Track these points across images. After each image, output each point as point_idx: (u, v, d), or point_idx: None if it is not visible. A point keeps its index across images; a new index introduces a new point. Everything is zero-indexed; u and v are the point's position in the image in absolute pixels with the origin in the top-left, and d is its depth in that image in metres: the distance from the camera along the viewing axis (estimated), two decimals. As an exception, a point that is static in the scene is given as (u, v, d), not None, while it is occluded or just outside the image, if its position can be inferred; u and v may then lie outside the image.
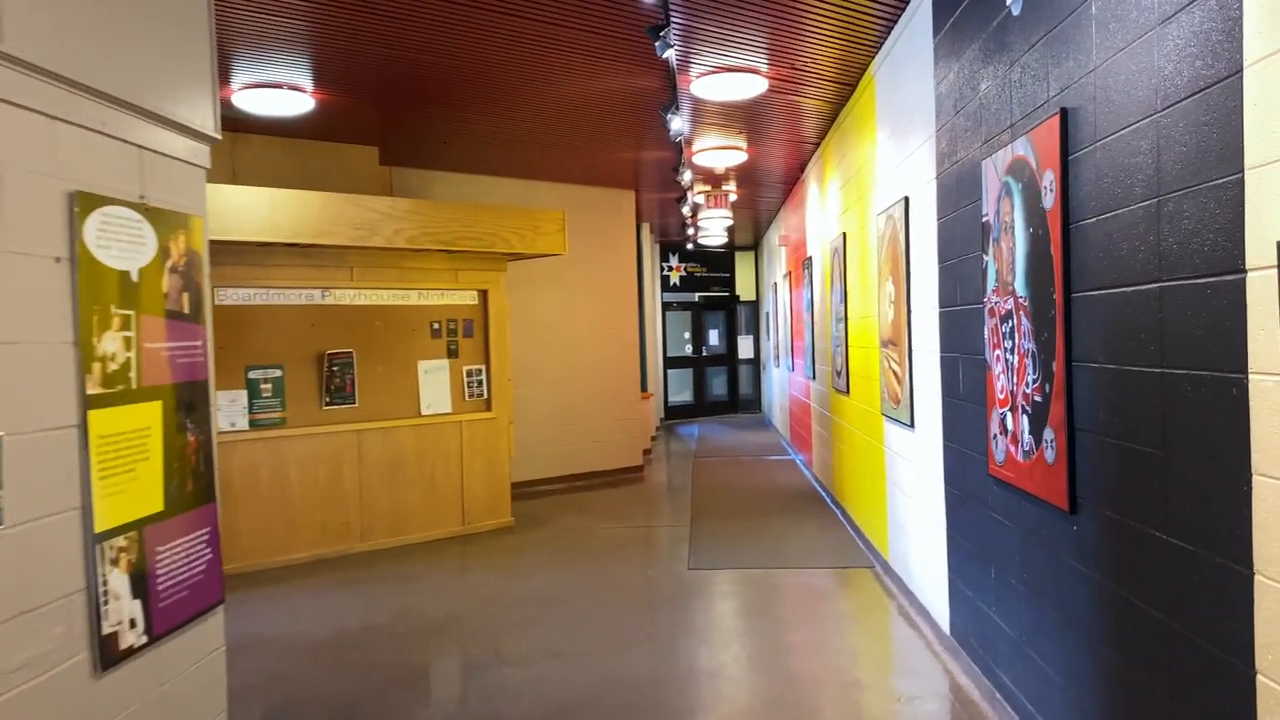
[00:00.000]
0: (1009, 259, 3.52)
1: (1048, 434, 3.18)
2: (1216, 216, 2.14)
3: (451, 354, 7.96)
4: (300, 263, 7.12)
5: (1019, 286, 3.42)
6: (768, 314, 16.25)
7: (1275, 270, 1.91)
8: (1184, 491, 2.32)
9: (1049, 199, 3.11)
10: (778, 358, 14.39)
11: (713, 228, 14.49)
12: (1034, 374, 3.29)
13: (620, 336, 10.92)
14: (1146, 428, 2.50)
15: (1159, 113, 2.39)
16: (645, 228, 14.12)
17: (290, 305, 7.14)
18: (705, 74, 6.17)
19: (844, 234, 7.45)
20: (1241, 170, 2.04)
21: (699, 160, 8.89)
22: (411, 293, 7.74)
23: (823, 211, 8.77)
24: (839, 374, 7.88)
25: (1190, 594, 2.31)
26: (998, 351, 3.69)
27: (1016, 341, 3.46)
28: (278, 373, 7.05)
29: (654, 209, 12.89)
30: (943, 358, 4.58)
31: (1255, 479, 2.02)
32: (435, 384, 7.85)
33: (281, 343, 7.09)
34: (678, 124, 6.75)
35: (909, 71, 5.15)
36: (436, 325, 7.88)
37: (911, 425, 5.26)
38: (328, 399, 7.27)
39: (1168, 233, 2.36)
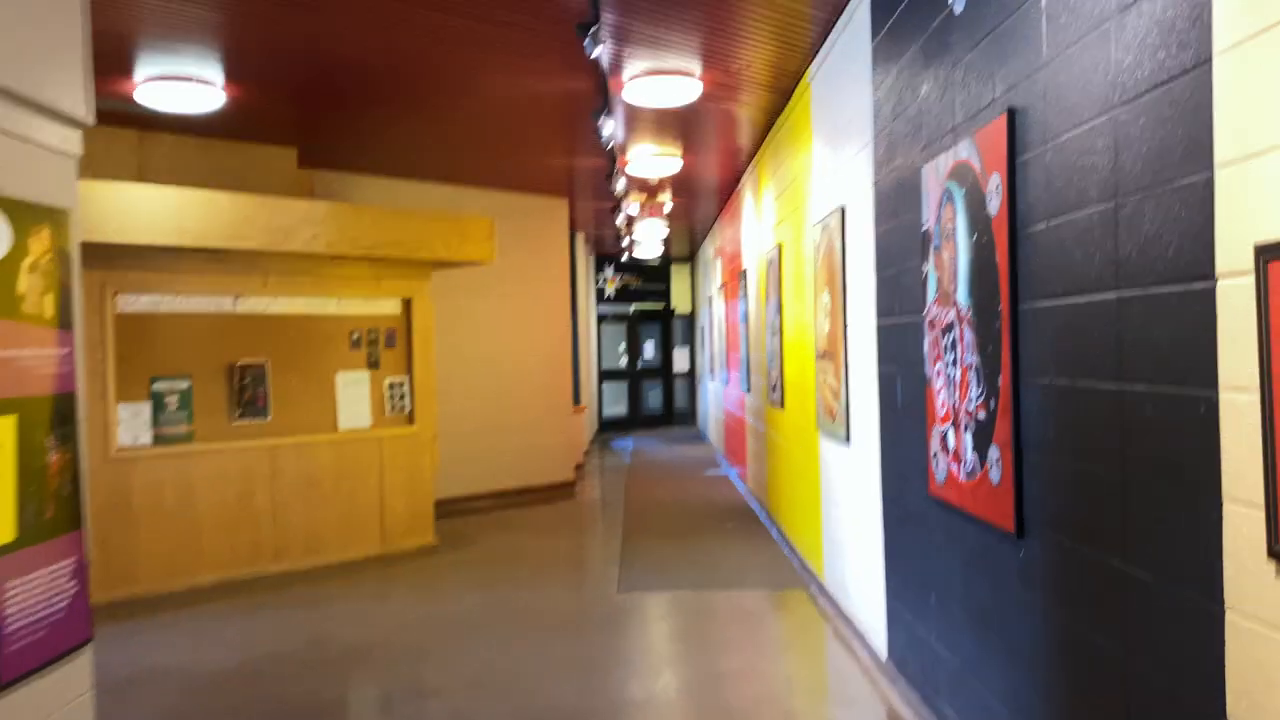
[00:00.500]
0: (951, 268, 3.35)
1: (993, 453, 3.01)
2: (1182, 219, 1.97)
3: (372, 365, 7.62)
4: (210, 268, 6.72)
5: (961, 297, 3.25)
6: (703, 327, 16.11)
7: (1251, 277, 1.74)
8: (1145, 517, 2.14)
9: (994, 204, 2.94)
10: (713, 371, 14.23)
11: (648, 239, 14.30)
12: (978, 389, 3.12)
13: (552, 348, 10.65)
14: (1102, 448, 2.33)
15: (1116, 108, 2.22)
16: (580, 238, 13.88)
17: (199, 313, 6.74)
18: (638, 77, 5.96)
19: (779, 245, 7.30)
20: (1211, 168, 1.87)
21: (633, 169, 8.68)
22: (330, 301, 7.38)
23: (758, 223, 8.62)
24: (774, 388, 7.72)
25: (1153, 629, 2.13)
26: (939, 365, 3.52)
27: (959, 355, 3.29)
28: (185, 384, 6.64)
29: (589, 219, 12.66)
30: (880, 371, 4.41)
31: (1226, 505, 1.85)
32: (354, 397, 7.49)
33: (189, 353, 6.69)
34: (610, 129, 6.53)
35: (846, 77, 5.00)
36: (356, 335, 7.53)
37: (847, 441, 5.09)
38: (239, 412, 6.88)
39: (1126, 238, 2.19)
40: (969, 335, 3.19)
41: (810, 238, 6.01)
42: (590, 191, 10.36)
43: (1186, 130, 1.95)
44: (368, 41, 5.38)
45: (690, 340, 18.45)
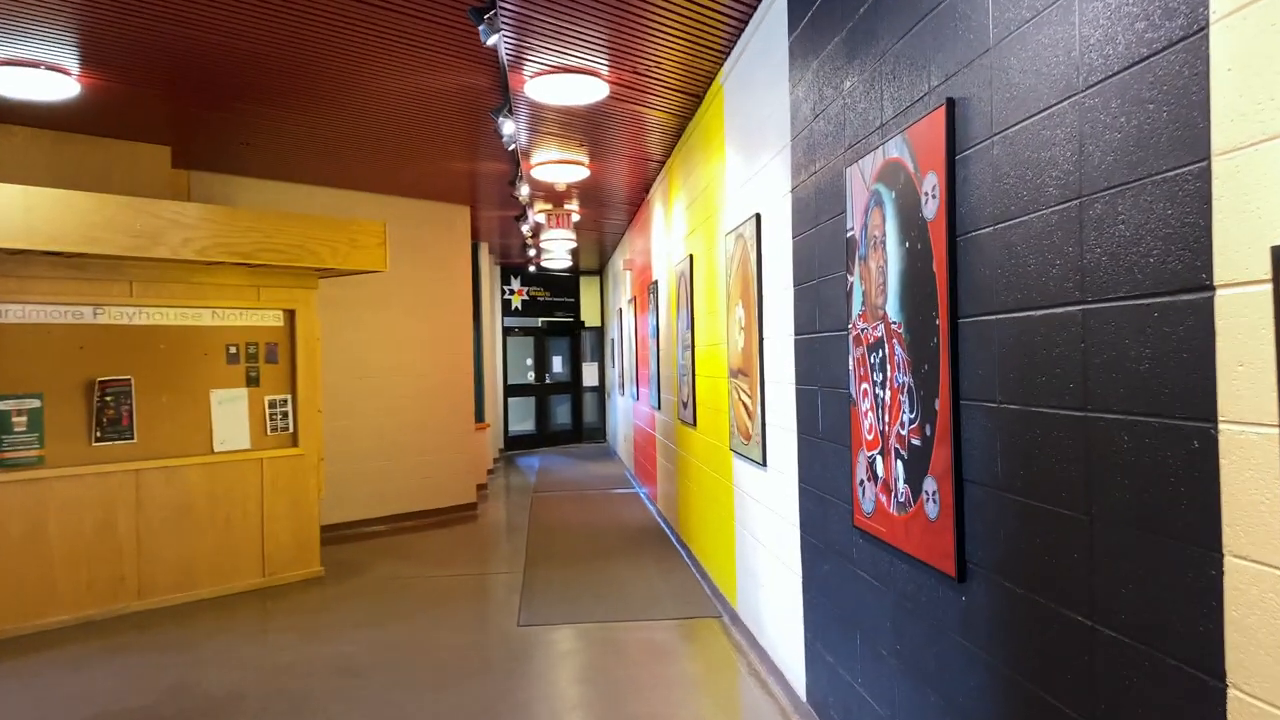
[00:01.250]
0: (879, 279, 3.04)
1: (929, 484, 2.69)
2: (1168, 219, 1.66)
3: (251, 382, 7.02)
4: (66, 274, 6.07)
5: (892, 310, 2.94)
6: (613, 340, 15.74)
7: (1267, 286, 1.43)
8: (1119, 567, 1.83)
9: (931, 207, 2.63)
10: (622, 386, 13.87)
11: (556, 250, 13.87)
12: (911, 413, 2.80)
13: (453, 362, 10.14)
14: (1062, 484, 2.01)
15: (1081, 93, 1.91)
16: (484, 248, 13.39)
17: (53, 324, 6.08)
18: (541, 74, 5.56)
19: (690, 256, 6.97)
20: (1207, 158, 1.56)
21: (538, 174, 8.27)
22: (204, 311, 6.77)
23: (668, 233, 8.29)
24: (685, 405, 7.38)
25: (1128, 700, 1.81)
26: (865, 385, 3.20)
27: (889, 374, 2.97)
28: (35, 403, 5.97)
29: (494, 228, 12.19)
30: (799, 390, 4.08)
31: (1228, 561, 1.54)
32: (231, 416, 6.89)
33: (41, 368, 6.02)
34: (511, 129, 6.11)
35: (760, 77, 4.69)
36: (234, 349, 6.93)
37: (764, 464, 4.76)
38: (99, 434, 6.22)
39: (1094, 242, 1.88)
40: (900, 353, 2.87)
41: (723, 248, 5.68)
42: (494, 199, 9.91)
43: (1173, 113, 1.64)
44: (250, 28, 4.87)
45: (600, 354, 18.06)
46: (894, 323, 2.92)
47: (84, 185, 6.54)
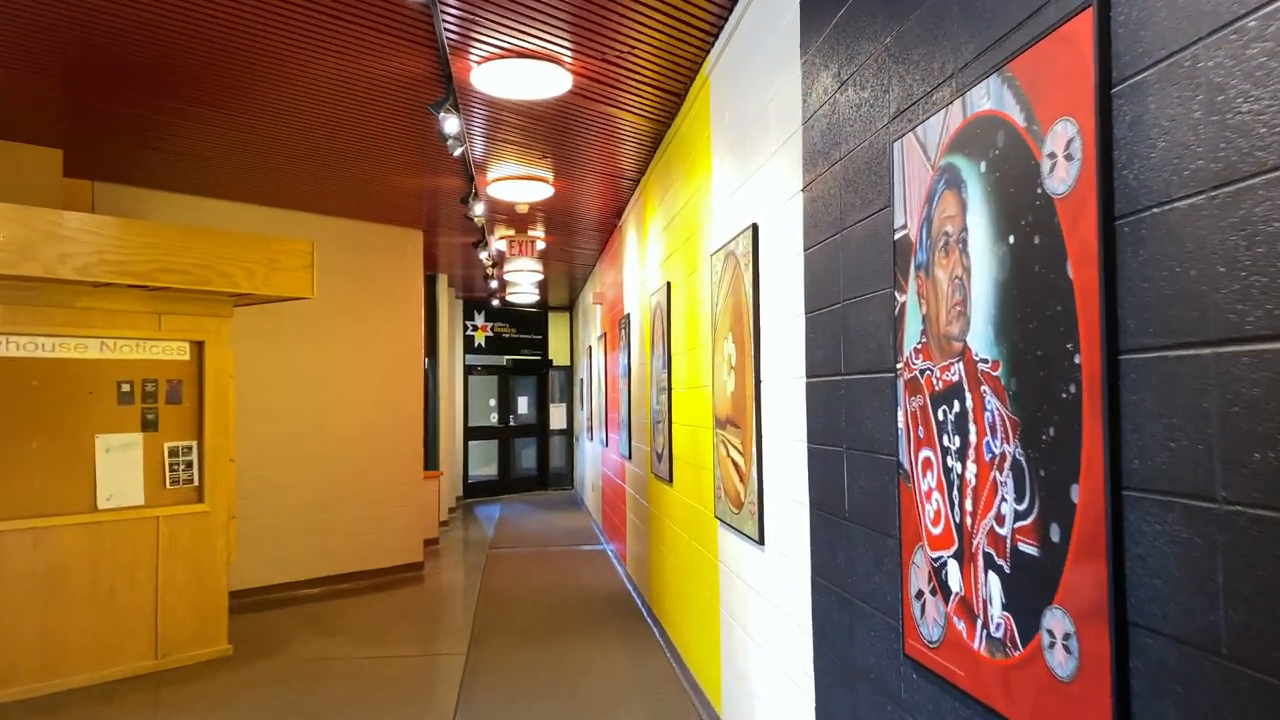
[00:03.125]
0: (954, 295, 2.05)
1: (1056, 621, 1.68)
2: None
3: (148, 426, 5.93)
4: (-92, 294, 5.00)
5: (980, 342, 1.95)
6: (582, 380, 14.72)
7: None
8: None
9: (1062, 176, 1.65)
10: (590, 430, 12.83)
11: (522, 282, 12.88)
12: (1020, 501, 1.80)
13: (400, 404, 9.06)
14: None
15: None
16: (443, 280, 12.38)
17: (-111, 354, 4.99)
18: (491, 58, 4.59)
19: (668, 284, 5.99)
20: None
21: (495, 192, 7.29)
22: (90, 342, 5.69)
23: (643, 261, 7.32)
24: (660, 457, 6.35)
25: None
26: (927, 452, 2.20)
27: (974, 439, 1.98)
28: None
29: (454, 258, 11.18)
30: (814, 451, 3.08)
31: None
32: (122, 466, 5.78)
33: None
34: (455, 127, 5.12)
35: (759, 55, 3.75)
36: (127, 386, 5.84)
37: (760, 542, 3.74)
38: (-54, 488, 5.11)
39: None
40: (997, 407, 1.88)
41: (708, 271, 4.71)
42: (451, 223, 8.91)
43: None
44: (149, 8, 3.87)
45: (569, 396, 17.01)
46: (983, 360, 1.93)
47: (-53, 190, 5.49)
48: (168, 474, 5.99)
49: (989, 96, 1.91)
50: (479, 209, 7.19)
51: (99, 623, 5.60)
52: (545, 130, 5.85)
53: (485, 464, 16.07)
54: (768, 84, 3.65)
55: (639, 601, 7.51)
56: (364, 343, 8.76)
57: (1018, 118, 1.80)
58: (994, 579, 1.91)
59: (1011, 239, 1.82)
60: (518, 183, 7.08)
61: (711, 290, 4.57)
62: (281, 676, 5.72)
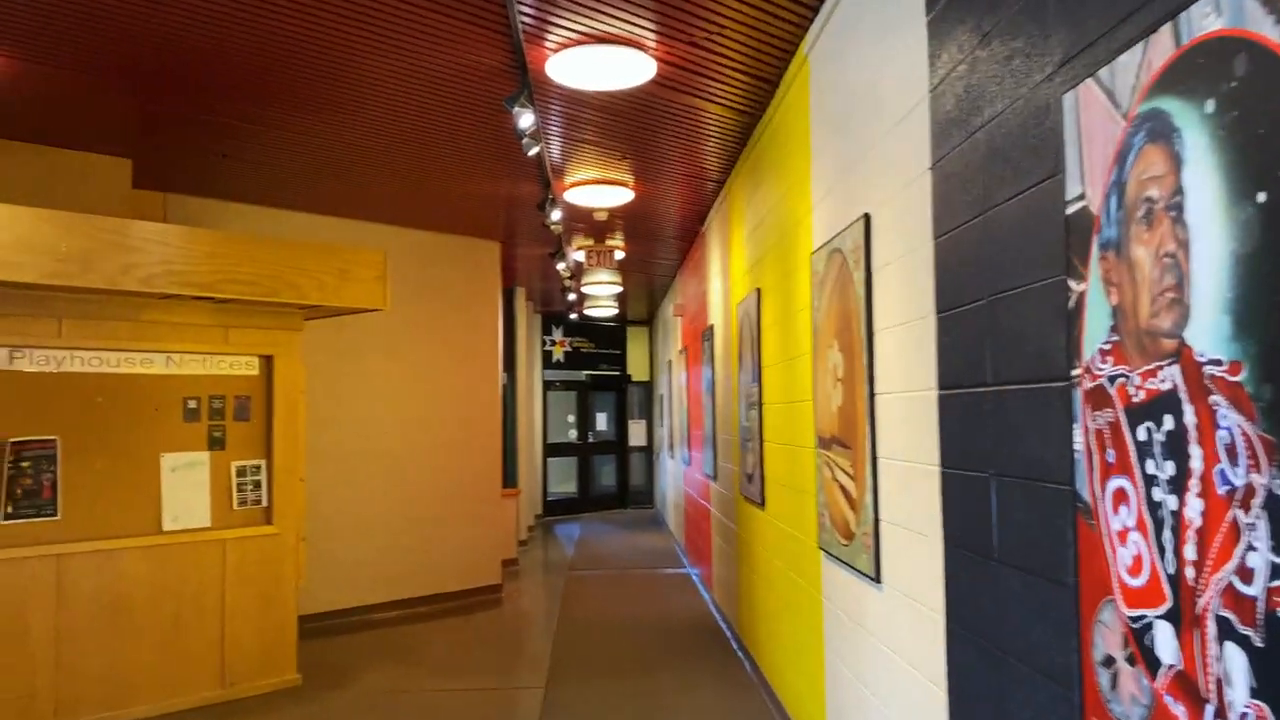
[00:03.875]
0: (1165, 277, 1.58)
1: (1355, 723, 1.20)
2: None
3: (215, 444, 5.70)
4: (-29, 308, 4.84)
5: (1208, 337, 1.48)
6: (662, 396, 14.32)
7: None
8: None
9: (1357, 101, 1.18)
10: (672, 448, 12.40)
11: (600, 296, 12.55)
12: (1278, 548, 1.32)
13: (478, 420, 8.77)
14: None
15: None
16: (521, 293, 12.13)
17: (-49, 370, 4.82)
18: (568, 44, 4.23)
19: (758, 291, 5.55)
20: None
21: (573, 198, 6.94)
22: (156, 356, 5.48)
23: (728, 268, 6.89)
24: (750, 478, 5.90)
25: None
26: (1122, 482, 1.73)
27: (1200, 465, 1.50)
28: (-78, 471, 4.69)
29: (532, 270, 10.89)
30: (949, 477, 2.61)
31: None
32: (187, 486, 5.56)
33: (-67, 426, 4.75)
34: (529, 121, 4.77)
35: (870, 22, 3.30)
36: (194, 403, 5.62)
37: (876, 579, 3.26)
38: (10, 509, 4.92)
39: None
40: (1238, 423, 1.40)
41: (807, 273, 4.26)
42: (527, 233, 8.61)
43: None
44: (219, 17, 3.62)
45: (648, 412, 16.62)
46: (1213, 362, 1.46)
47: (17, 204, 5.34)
48: (235, 494, 5.74)
49: (1219, 12, 1.45)
50: (556, 215, 6.85)
51: (164, 651, 5.36)
52: (625, 127, 5.47)
53: (564, 481, 15.75)
54: (881, 55, 3.20)
55: (727, 631, 7.04)
56: (441, 357, 8.49)
57: (1271, 32, 1.33)
58: (1234, 653, 1.42)
59: (1262, 196, 1.35)
60: (596, 188, 6.72)
61: (815, 293, 4.11)
62: (352, 710, 5.41)
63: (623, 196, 6.93)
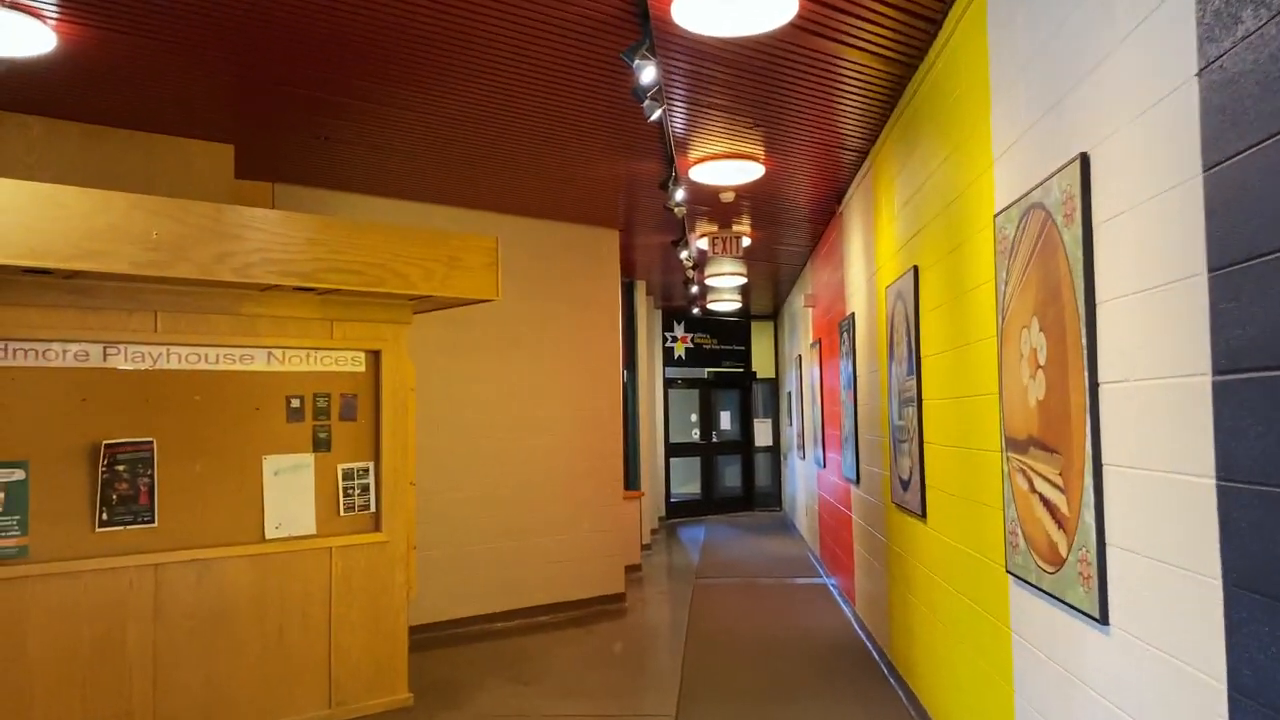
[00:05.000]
0: None
1: None
2: None
3: (320, 445, 5.32)
4: (64, 301, 4.55)
5: None
6: (790, 394, 13.58)
7: None
8: None
9: None
10: (802, 448, 11.67)
11: (724, 288, 11.92)
12: None
13: (598, 421, 8.26)
14: None
15: None
16: (641, 287, 11.60)
17: (45, 368, 4.54)
18: (695, -17, 3.63)
19: (914, 270, 4.83)
20: None
21: (699, 176, 6.34)
22: (257, 352, 5.14)
23: (872, 250, 6.18)
24: (904, 484, 5.18)
25: None
26: None
27: None
28: (17, 474, 4.42)
29: (652, 262, 10.35)
30: (1230, 492, 1.90)
31: None
32: (291, 491, 5.19)
33: (26, 427, 4.47)
34: (651, 76, 4.19)
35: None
36: (297, 402, 5.26)
37: (1100, 619, 2.55)
38: (106, 515, 4.62)
39: None
40: None
41: (988, 240, 3.55)
42: (649, 221, 8.06)
43: None
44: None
45: (775, 410, 15.88)
46: None
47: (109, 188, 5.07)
48: (341, 499, 5.36)
49: None
50: (679, 196, 6.26)
51: (266, 667, 5.00)
52: (755, 87, 4.84)
53: (687, 483, 15.18)
54: (1104, -52, 2.49)
55: (875, 653, 6.32)
56: (559, 354, 8.02)
57: None
58: None
59: None
60: (723, 163, 6.10)
61: (996, 265, 3.40)
62: (463, 736, 4.95)
63: (751, 172, 6.29)
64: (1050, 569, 2.91)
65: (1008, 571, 3.35)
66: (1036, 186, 2.96)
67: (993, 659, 3.62)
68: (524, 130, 5.53)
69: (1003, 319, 3.33)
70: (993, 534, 3.55)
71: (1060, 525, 2.82)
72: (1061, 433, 2.79)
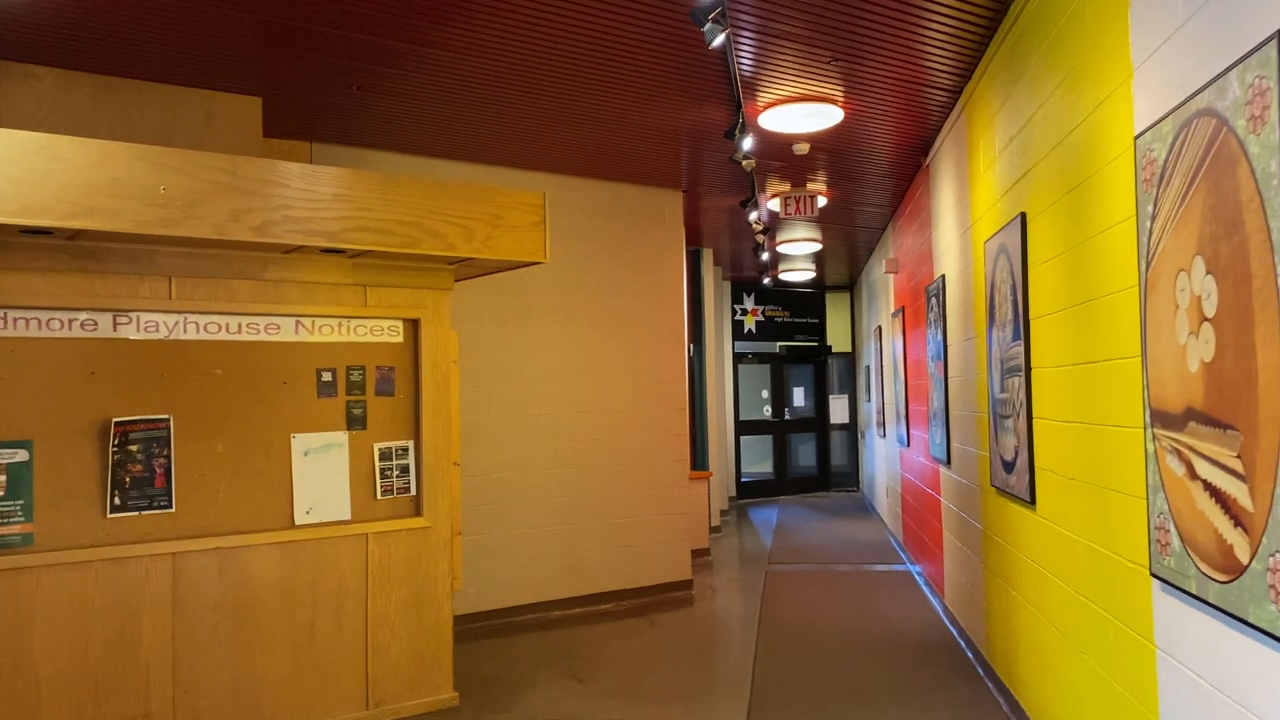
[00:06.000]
0: None
1: None
2: None
3: (355, 423, 4.87)
4: (69, 265, 4.15)
5: None
6: (868, 368, 12.87)
7: None
8: None
9: None
10: (882, 425, 10.98)
11: (796, 256, 11.26)
12: None
13: (661, 395, 7.72)
14: None
15: None
16: (707, 256, 11.00)
17: (49, 338, 4.15)
18: None
19: (1021, 218, 4.17)
20: None
21: (769, 122, 5.72)
22: (284, 321, 4.69)
23: (967, 202, 5.50)
24: (1007, 465, 4.53)
25: None
26: None
27: None
28: (20, 455, 4.05)
29: (719, 228, 9.74)
30: None
31: None
32: (323, 472, 4.76)
33: (30, 403, 4.09)
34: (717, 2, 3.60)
35: None
36: (328, 375, 4.81)
37: (1306, 647, 1.93)
38: (118, 500, 4.23)
39: None
40: None
41: (1128, 170, 2.89)
42: (715, 180, 7.46)
43: None
44: None
45: (852, 385, 15.16)
46: None
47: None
48: (379, 481, 4.91)
49: None
50: (748, 145, 5.65)
51: (297, 665, 4.59)
52: (833, 10, 4.21)
53: (759, 461, 14.56)
54: None
55: (968, 651, 5.69)
56: (619, 325, 7.48)
57: None
58: None
59: None
60: (795, 107, 5.48)
61: (1137, 199, 2.75)
62: (510, 743, 4.48)
63: (828, 118, 5.65)
64: (1221, 577, 2.28)
65: (1152, 575, 2.72)
66: (1203, 88, 2.31)
67: (1128, 679, 2.99)
68: (574, 73, 4.98)
69: (1147, 264, 2.68)
70: (1129, 528, 2.91)
71: (1238, 522, 2.19)
72: (1241, 403, 2.15)
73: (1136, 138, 2.75)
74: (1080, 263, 3.36)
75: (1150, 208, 2.65)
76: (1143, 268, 2.72)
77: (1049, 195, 3.75)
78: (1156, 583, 2.73)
